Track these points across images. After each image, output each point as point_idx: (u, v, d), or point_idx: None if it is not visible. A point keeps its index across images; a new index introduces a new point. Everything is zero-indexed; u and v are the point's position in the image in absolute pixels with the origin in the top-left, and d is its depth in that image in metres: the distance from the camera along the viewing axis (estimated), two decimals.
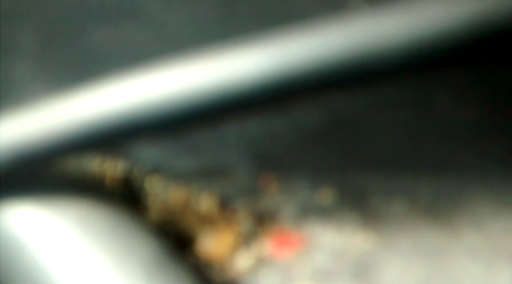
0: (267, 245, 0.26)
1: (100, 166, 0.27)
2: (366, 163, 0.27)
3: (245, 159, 0.27)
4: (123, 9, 0.29)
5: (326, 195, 0.27)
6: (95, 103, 0.22)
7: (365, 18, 0.20)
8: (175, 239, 0.26)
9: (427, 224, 0.26)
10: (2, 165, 0.23)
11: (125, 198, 0.27)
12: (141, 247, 0.24)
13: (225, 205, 0.27)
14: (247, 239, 0.26)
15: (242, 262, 0.26)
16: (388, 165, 0.27)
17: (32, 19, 0.29)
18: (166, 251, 0.24)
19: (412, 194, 0.26)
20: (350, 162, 0.27)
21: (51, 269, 0.23)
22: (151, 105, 0.21)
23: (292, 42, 0.21)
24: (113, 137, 0.22)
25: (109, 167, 0.27)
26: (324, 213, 0.26)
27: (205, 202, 0.27)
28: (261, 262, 0.26)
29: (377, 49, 0.20)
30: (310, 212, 0.26)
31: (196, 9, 0.29)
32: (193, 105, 0.21)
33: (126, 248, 0.24)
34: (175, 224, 0.26)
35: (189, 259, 0.26)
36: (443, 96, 0.28)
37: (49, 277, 0.23)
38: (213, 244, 0.26)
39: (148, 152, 0.27)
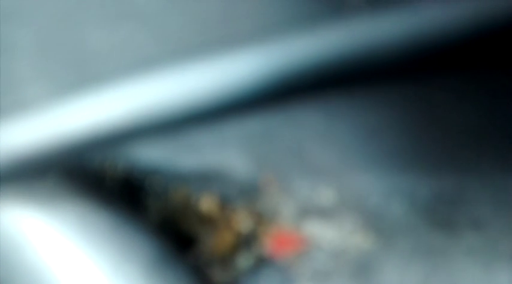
0: (267, 245, 0.26)
1: (100, 166, 0.27)
2: (366, 163, 0.27)
3: (245, 159, 0.27)
4: (123, 9, 0.29)
5: (326, 195, 0.27)
6: (94, 104, 0.22)
7: (365, 18, 0.20)
8: (175, 239, 0.26)
9: (426, 224, 0.26)
10: (2, 165, 0.23)
11: (125, 198, 0.27)
12: (141, 247, 0.24)
13: (225, 205, 0.27)
14: (247, 239, 0.26)
15: (242, 262, 0.26)
16: (388, 165, 0.27)
17: (32, 19, 0.29)
18: (166, 251, 0.24)
19: (411, 194, 0.26)
20: (350, 162, 0.27)
21: (51, 270, 0.23)
22: (151, 105, 0.21)
23: (292, 42, 0.21)
24: (113, 138, 0.22)
25: (109, 167, 0.27)
26: (324, 213, 0.26)
27: (205, 202, 0.27)
28: (261, 262, 0.26)
29: (377, 49, 0.20)
30: (310, 212, 0.26)
31: (196, 9, 0.29)
32: (192, 105, 0.21)
33: (126, 248, 0.24)
34: (175, 224, 0.26)
35: (189, 259, 0.26)
36: (443, 96, 0.28)
37: (48, 277, 0.23)
38: (213, 244, 0.26)
39: (148, 152, 0.27)
